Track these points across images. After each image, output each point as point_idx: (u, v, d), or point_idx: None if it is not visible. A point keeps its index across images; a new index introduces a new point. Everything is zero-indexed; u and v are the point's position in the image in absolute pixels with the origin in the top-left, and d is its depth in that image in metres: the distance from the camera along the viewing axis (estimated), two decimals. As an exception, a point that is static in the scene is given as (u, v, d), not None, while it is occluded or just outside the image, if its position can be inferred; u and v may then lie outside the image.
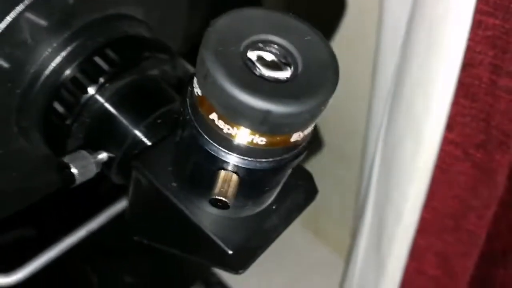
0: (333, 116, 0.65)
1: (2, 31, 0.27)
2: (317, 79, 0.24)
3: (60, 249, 0.45)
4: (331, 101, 0.24)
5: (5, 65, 0.29)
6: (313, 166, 0.38)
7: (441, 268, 0.58)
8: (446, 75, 0.47)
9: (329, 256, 0.87)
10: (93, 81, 0.31)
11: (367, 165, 0.61)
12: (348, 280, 0.65)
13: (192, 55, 0.42)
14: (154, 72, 0.34)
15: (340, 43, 0.62)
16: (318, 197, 0.32)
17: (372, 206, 0.58)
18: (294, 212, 0.30)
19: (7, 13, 0.27)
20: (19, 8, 0.27)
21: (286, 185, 0.29)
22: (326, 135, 0.71)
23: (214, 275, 0.81)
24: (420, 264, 0.58)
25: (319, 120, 0.25)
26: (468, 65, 0.46)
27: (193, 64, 0.42)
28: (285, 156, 0.25)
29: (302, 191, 0.31)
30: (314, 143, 0.29)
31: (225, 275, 0.82)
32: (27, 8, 0.27)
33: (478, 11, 0.43)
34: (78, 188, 0.32)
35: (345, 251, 0.75)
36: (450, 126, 0.50)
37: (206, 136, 0.24)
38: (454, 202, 0.53)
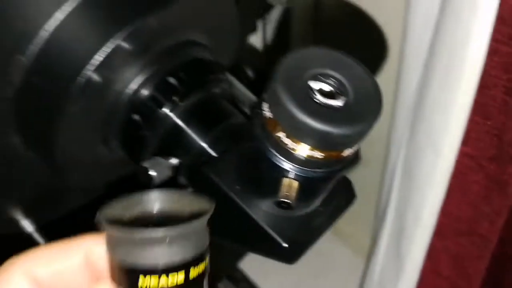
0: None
1: (98, 58, 0.33)
2: (365, 107, 0.29)
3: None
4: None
5: (100, 85, 0.35)
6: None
7: (455, 269, 0.63)
8: (464, 95, 0.52)
9: (349, 256, 0.92)
10: (168, 99, 0.37)
11: (389, 172, 0.67)
12: (369, 278, 0.71)
13: (233, 70, 0.47)
14: (216, 90, 0.39)
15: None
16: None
17: (393, 210, 0.63)
18: (337, 213, 0.36)
19: (107, 45, 0.33)
20: (117, 41, 0.33)
21: (331, 190, 0.34)
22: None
23: (239, 271, 0.86)
24: (436, 265, 0.63)
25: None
26: (483, 86, 0.51)
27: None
28: (336, 167, 0.31)
29: (344, 195, 0.36)
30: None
31: (248, 272, 0.87)
32: (122, 40, 0.33)
33: (493, 40, 0.49)
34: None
35: (364, 252, 0.80)
36: (466, 140, 0.55)
37: (273, 150, 0.30)
38: (468, 209, 0.59)
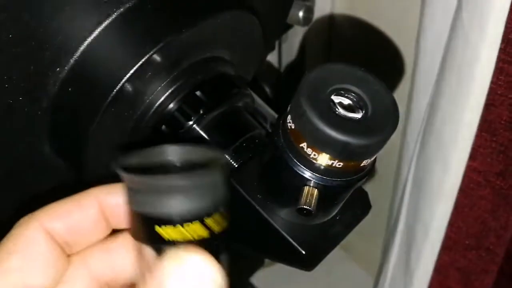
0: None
1: (134, 70, 0.35)
2: (382, 120, 0.31)
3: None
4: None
5: (131, 95, 0.37)
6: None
7: (463, 283, 0.64)
8: (471, 112, 0.54)
9: (358, 273, 0.93)
10: (195, 112, 0.39)
11: (400, 187, 0.68)
12: (378, 292, 0.72)
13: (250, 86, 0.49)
14: (239, 104, 0.41)
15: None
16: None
17: (403, 224, 0.65)
18: (353, 222, 0.38)
19: (139, 58, 0.35)
20: (150, 55, 0.35)
21: (347, 200, 0.36)
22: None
23: (251, 286, 0.87)
24: (444, 279, 0.64)
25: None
26: (490, 105, 0.53)
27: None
28: (354, 177, 0.32)
29: (360, 205, 0.38)
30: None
31: (260, 287, 0.88)
32: (155, 54, 0.35)
33: (500, 60, 0.50)
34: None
35: (374, 269, 0.81)
36: (474, 156, 0.57)
37: (295, 160, 0.32)
38: (475, 223, 0.60)
